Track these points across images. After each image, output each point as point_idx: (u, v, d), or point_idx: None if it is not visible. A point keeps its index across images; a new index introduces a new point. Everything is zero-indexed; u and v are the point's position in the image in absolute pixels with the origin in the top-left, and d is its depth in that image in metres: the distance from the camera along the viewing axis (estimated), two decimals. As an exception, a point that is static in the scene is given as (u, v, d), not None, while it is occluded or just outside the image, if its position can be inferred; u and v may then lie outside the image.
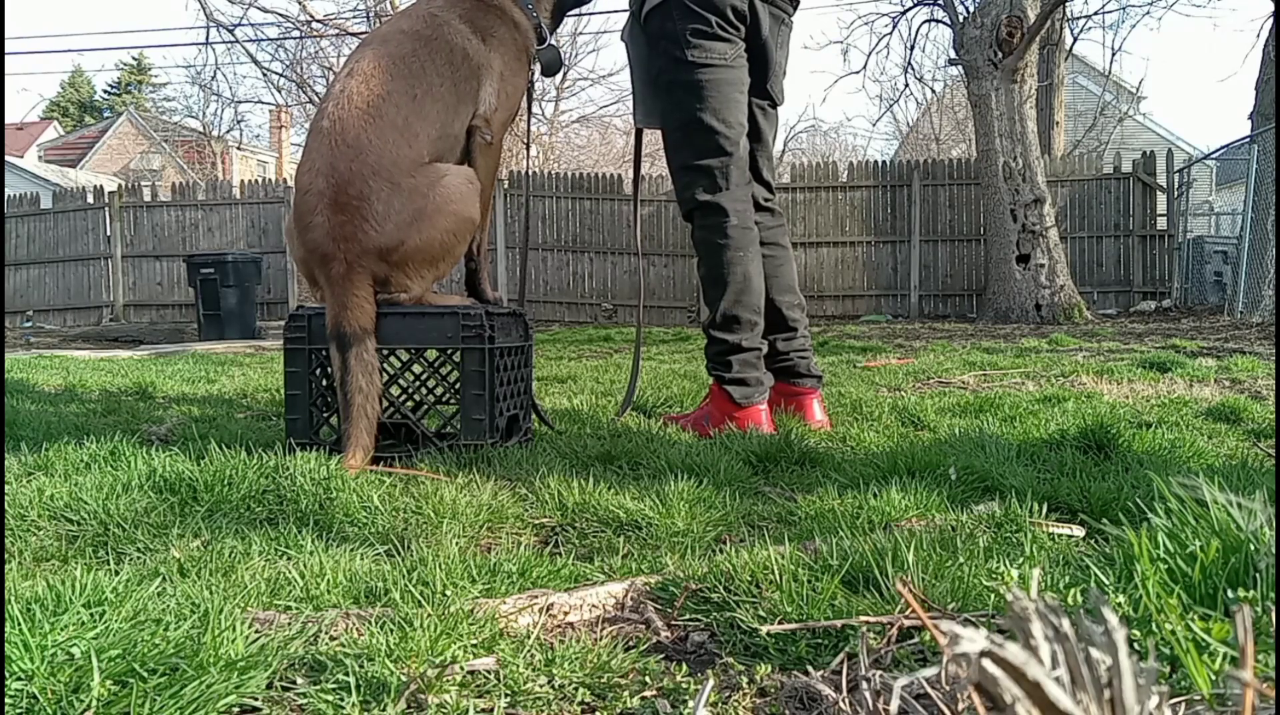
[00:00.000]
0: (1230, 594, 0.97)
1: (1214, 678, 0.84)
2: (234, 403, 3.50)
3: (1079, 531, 1.53)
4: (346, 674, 0.96)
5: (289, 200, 12.34)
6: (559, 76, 23.17)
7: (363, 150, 2.21)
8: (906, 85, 16.33)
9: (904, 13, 13.52)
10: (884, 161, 13.58)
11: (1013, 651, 0.54)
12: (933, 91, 23.91)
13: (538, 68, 2.72)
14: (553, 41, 2.69)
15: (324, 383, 2.34)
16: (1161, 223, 12.38)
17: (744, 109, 2.68)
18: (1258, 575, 0.98)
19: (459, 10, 2.46)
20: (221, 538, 1.51)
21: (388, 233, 2.21)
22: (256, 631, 1.05)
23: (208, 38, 13.90)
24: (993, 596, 1.14)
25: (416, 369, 2.65)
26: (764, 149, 2.84)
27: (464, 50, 2.41)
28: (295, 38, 17.13)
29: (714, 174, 2.63)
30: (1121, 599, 1.01)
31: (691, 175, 2.66)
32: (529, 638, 1.08)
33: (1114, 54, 23.67)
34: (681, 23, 2.60)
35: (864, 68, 29.52)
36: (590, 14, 24.47)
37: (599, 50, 56.92)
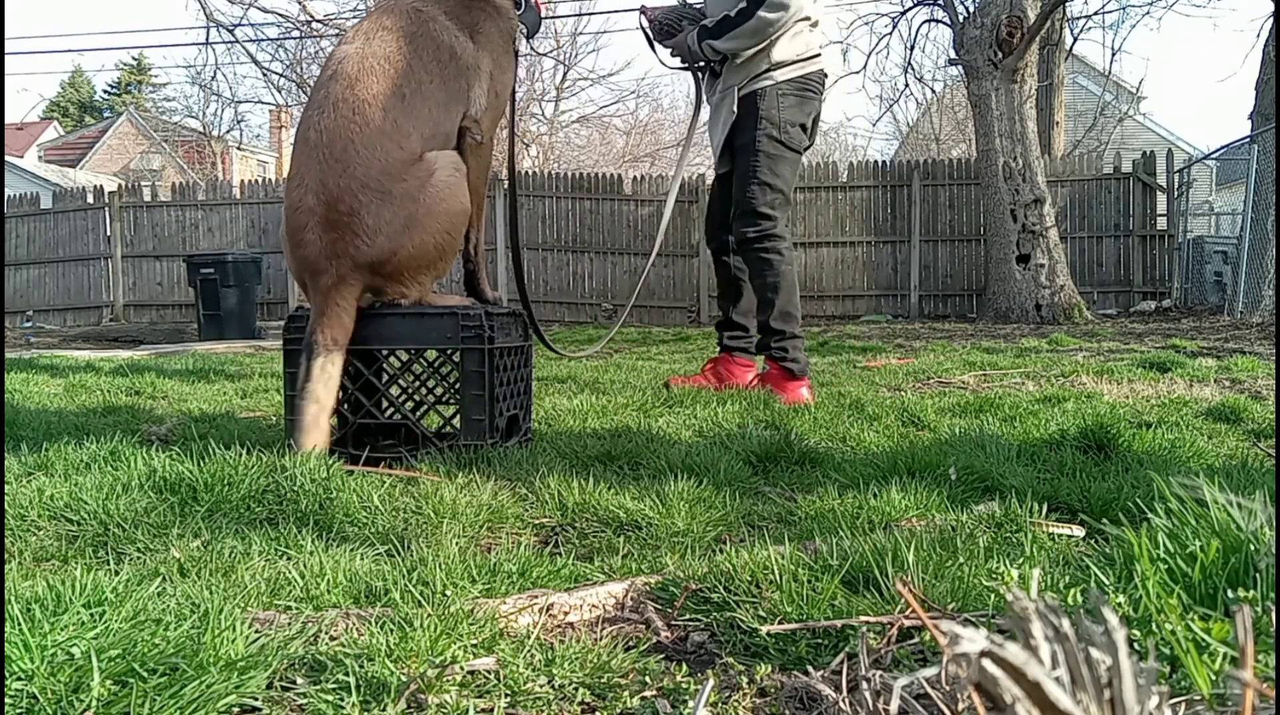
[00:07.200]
0: (1230, 594, 0.97)
1: (1214, 678, 0.84)
2: (234, 403, 3.50)
3: (1079, 531, 1.53)
4: (346, 674, 0.96)
5: (289, 200, 12.31)
6: (559, 77, 23.18)
7: (350, 164, 2.18)
8: (906, 85, 16.26)
9: (904, 13, 13.49)
10: (884, 161, 13.57)
11: (1013, 651, 0.54)
12: (933, 91, 23.86)
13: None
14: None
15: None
16: (1161, 223, 12.37)
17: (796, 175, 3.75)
18: (1258, 575, 0.98)
19: (444, 6, 2.42)
20: (221, 538, 1.51)
21: (379, 245, 2.19)
22: (256, 631, 1.05)
23: (208, 38, 13.91)
24: (993, 596, 1.14)
25: (416, 369, 2.65)
26: None
27: (451, 48, 2.38)
28: (295, 38, 17.13)
29: (776, 218, 3.63)
30: (1121, 599, 1.01)
31: (762, 215, 3.64)
32: (529, 638, 1.08)
33: (1114, 54, 23.67)
34: (786, 113, 3.58)
35: (864, 68, 29.42)
36: (590, 14, 24.49)
37: (599, 50, 57.00)
